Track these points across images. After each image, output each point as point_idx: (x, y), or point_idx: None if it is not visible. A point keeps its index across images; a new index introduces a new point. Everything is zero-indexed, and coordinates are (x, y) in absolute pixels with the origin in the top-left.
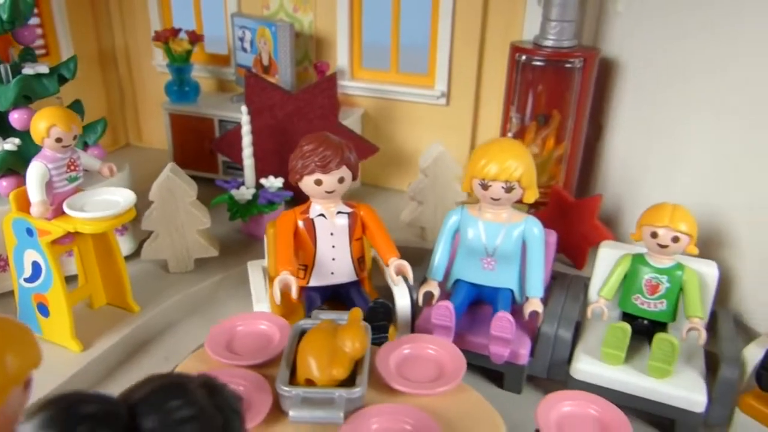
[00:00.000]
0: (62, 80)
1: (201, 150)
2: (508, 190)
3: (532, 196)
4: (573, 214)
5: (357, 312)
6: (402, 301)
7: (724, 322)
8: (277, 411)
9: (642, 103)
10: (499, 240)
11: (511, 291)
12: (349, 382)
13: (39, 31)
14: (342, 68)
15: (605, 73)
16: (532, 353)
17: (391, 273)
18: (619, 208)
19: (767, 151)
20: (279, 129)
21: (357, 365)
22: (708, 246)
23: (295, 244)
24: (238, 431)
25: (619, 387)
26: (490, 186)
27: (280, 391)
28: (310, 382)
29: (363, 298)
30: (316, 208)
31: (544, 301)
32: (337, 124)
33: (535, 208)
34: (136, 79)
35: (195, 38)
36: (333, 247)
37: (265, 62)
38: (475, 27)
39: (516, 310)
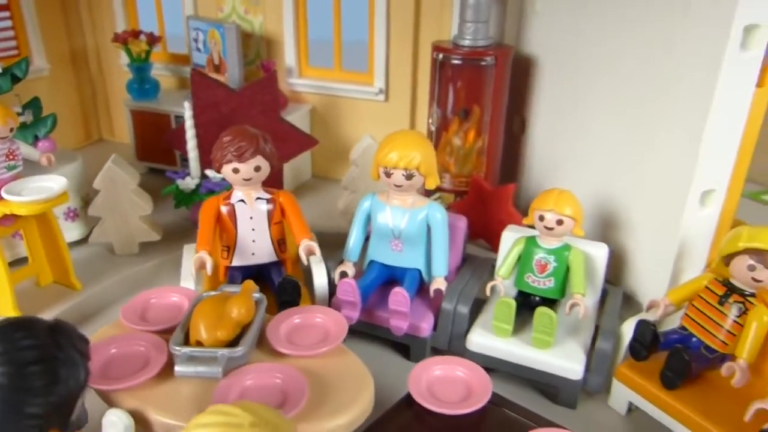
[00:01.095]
0: (15, 79)
1: (160, 144)
2: (409, 177)
3: (432, 182)
4: (491, 202)
5: (249, 284)
6: (319, 280)
7: (612, 298)
8: (171, 368)
9: (556, 98)
10: (404, 224)
11: (419, 271)
12: (236, 344)
13: (11, 32)
14: (290, 66)
15: (525, 70)
16: (436, 328)
17: (300, 253)
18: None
19: (650, 141)
20: (224, 124)
21: (246, 330)
22: (608, 228)
23: (219, 227)
24: (77, 364)
25: (508, 357)
26: (392, 173)
27: (171, 350)
28: (200, 344)
29: (277, 274)
30: (237, 194)
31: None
32: (278, 119)
33: (460, 197)
34: (106, 77)
35: (153, 40)
36: (253, 230)
37: (216, 61)
38: (408, 27)
39: (425, 288)
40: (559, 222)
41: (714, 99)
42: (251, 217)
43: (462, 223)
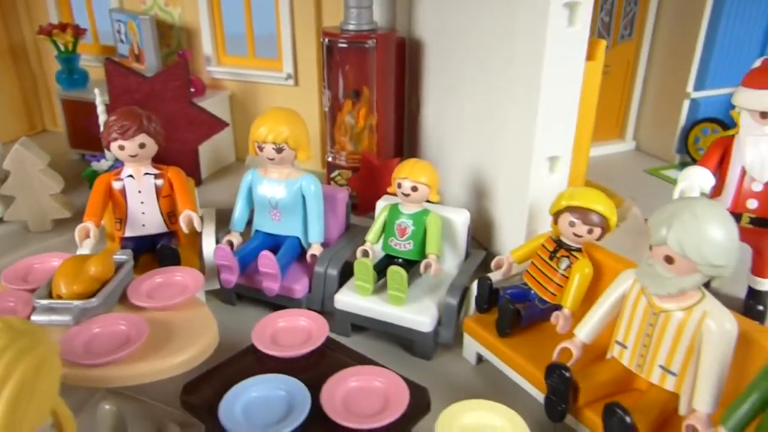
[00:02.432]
0: None
1: (90, 131)
2: (279, 150)
3: (304, 156)
4: (379, 176)
5: (112, 246)
6: (207, 249)
7: (471, 260)
8: None
9: (440, 78)
10: (280, 195)
11: (298, 238)
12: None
13: None
14: (208, 55)
15: (417, 53)
16: (312, 290)
17: (180, 223)
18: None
19: (503, 115)
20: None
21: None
22: (479, 197)
23: (112, 202)
24: None
25: (370, 314)
26: (264, 147)
27: (34, 303)
28: (61, 297)
29: (168, 243)
30: (127, 170)
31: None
32: (188, 104)
33: (355, 173)
34: (46, 69)
35: (78, 32)
36: (142, 203)
37: (136, 51)
38: (311, 15)
39: (305, 254)
40: (414, 189)
41: (543, 73)
42: (140, 191)
43: (342, 194)
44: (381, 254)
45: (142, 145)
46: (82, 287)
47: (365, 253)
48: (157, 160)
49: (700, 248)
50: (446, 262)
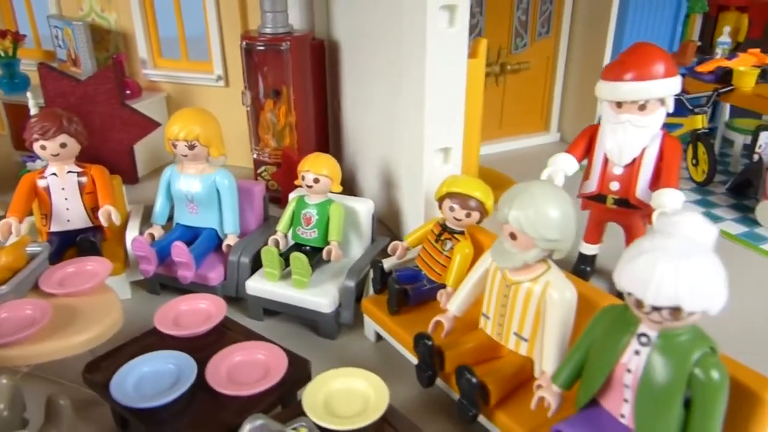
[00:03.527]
0: None
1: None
2: (191, 147)
3: (216, 152)
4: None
5: (25, 238)
6: (129, 242)
7: (374, 246)
8: None
9: (355, 78)
10: (196, 189)
11: (215, 230)
12: None
13: None
14: (144, 59)
15: (335, 54)
16: (227, 278)
17: (99, 216)
18: (355, 165)
19: (401, 110)
20: (74, 110)
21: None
22: (390, 188)
23: (38, 199)
24: None
25: (277, 298)
26: (177, 144)
27: None
28: None
29: (93, 237)
30: (50, 168)
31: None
32: (120, 105)
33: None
34: None
35: (17, 38)
36: (66, 199)
37: (73, 56)
38: (236, 19)
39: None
40: (316, 180)
41: (426, 71)
42: (63, 188)
43: (258, 188)
44: (292, 243)
45: (63, 145)
46: None
47: (276, 242)
48: (93, 159)
49: (535, 225)
50: (353, 248)
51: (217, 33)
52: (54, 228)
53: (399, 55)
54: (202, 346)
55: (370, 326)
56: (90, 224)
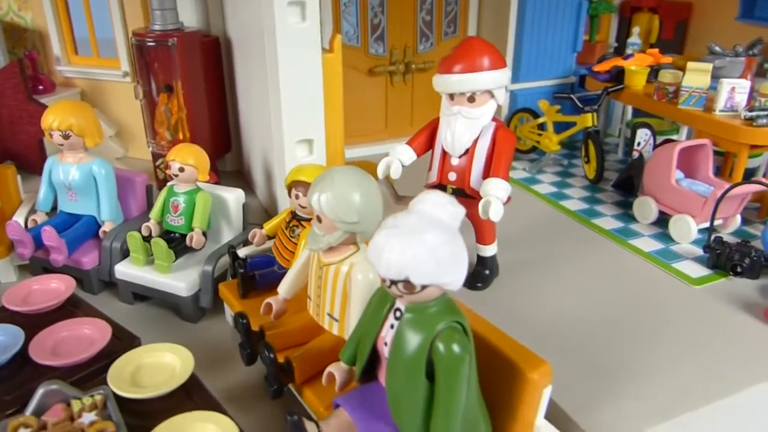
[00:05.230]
0: None
1: None
2: (66, 137)
3: (91, 142)
4: None
5: None
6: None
7: (241, 235)
8: None
9: (242, 73)
10: (73, 177)
11: (94, 216)
12: None
13: None
14: (58, 56)
15: (229, 51)
16: (101, 262)
17: None
18: (248, 158)
19: (270, 103)
20: None
21: None
22: (268, 180)
23: None
24: None
25: (143, 282)
26: (53, 134)
27: None
28: None
29: None
30: None
31: None
32: (27, 100)
33: None
34: None
35: None
36: None
37: None
38: (140, 18)
39: None
40: (181, 169)
41: (279, 64)
42: None
43: (141, 177)
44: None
45: None
46: None
47: (148, 229)
48: (5, 152)
49: (333, 207)
50: (223, 236)
51: (122, 31)
52: None
53: (261, 51)
54: (46, 323)
55: (228, 310)
56: None
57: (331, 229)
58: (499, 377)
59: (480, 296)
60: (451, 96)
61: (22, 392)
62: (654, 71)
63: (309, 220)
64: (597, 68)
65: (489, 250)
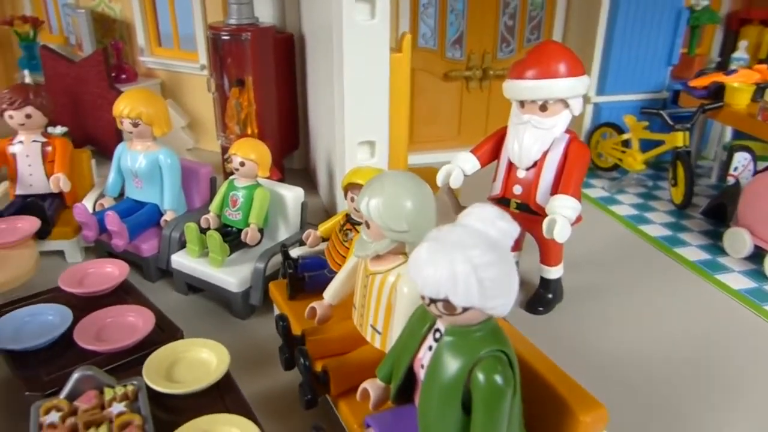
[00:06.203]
0: None
1: None
2: (135, 125)
3: (159, 131)
4: None
5: None
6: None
7: (297, 234)
8: None
9: (313, 70)
10: (140, 165)
11: (157, 205)
12: None
13: None
14: (142, 46)
15: (302, 48)
16: (160, 251)
17: (50, 183)
18: (313, 156)
19: (335, 102)
20: (69, 89)
21: None
22: (332, 178)
23: (6, 163)
24: None
25: (196, 274)
26: (123, 122)
27: None
28: None
29: (51, 202)
30: (19, 137)
31: None
32: (108, 88)
33: None
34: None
35: (35, 23)
36: (29, 165)
37: (79, 41)
38: (219, 12)
39: None
40: (242, 164)
41: (345, 62)
42: (28, 156)
43: (205, 169)
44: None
45: (28, 116)
46: None
47: (206, 221)
48: (85, 136)
49: (381, 214)
50: (280, 234)
51: (201, 25)
52: (19, 191)
53: (330, 49)
54: (96, 307)
55: (276, 310)
56: (51, 190)
57: (379, 236)
58: (547, 416)
59: (538, 321)
60: (522, 103)
61: (61, 375)
62: (761, 89)
63: (362, 224)
64: (694, 83)
65: (553, 273)
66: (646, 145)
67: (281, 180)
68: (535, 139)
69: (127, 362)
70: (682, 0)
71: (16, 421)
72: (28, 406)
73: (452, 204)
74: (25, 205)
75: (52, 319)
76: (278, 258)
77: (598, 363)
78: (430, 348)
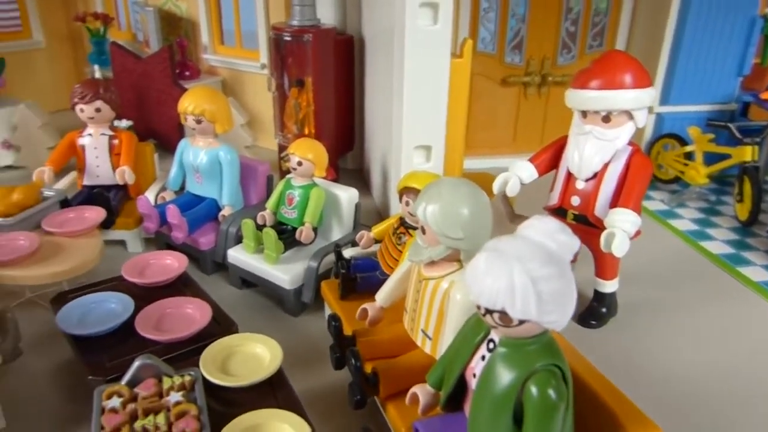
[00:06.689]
0: None
1: None
2: (198, 121)
3: (221, 128)
4: None
5: (39, 182)
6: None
7: (351, 234)
8: None
9: (371, 73)
10: (201, 161)
11: (216, 200)
12: None
13: (17, 12)
14: (206, 44)
15: (361, 50)
16: (217, 245)
17: (116, 175)
18: (368, 158)
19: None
20: (135, 85)
21: None
22: (386, 181)
23: (75, 155)
24: None
25: (250, 269)
26: (187, 118)
27: None
28: None
29: (116, 194)
30: (88, 130)
31: None
32: (172, 84)
33: None
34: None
35: (106, 20)
36: (97, 157)
37: (146, 38)
38: (281, 12)
39: None
40: (299, 163)
41: (406, 66)
42: (96, 148)
43: (263, 167)
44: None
45: (98, 110)
46: (3, 208)
47: (262, 218)
48: (149, 130)
49: (437, 220)
50: (333, 233)
51: (264, 25)
52: (86, 182)
53: (390, 52)
54: (156, 297)
55: (327, 309)
56: (117, 182)
57: (434, 242)
58: None
59: (590, 335)
60: (584, 113)
61: (123, 361)
62: None
63: (416, 228)
64: (766, 96)
65: (609, 286)
66: (711, 158)
67: (336, 180)
68: (597, 150)
69: (183, 353)
70: (756, 8)
71: (78, 404)
72: (91, 390)
73: (507, 212)
74: (92, 195)
75: (114, 307)
76: (331, 257)
77: (652, 381)
78: (483, 358)
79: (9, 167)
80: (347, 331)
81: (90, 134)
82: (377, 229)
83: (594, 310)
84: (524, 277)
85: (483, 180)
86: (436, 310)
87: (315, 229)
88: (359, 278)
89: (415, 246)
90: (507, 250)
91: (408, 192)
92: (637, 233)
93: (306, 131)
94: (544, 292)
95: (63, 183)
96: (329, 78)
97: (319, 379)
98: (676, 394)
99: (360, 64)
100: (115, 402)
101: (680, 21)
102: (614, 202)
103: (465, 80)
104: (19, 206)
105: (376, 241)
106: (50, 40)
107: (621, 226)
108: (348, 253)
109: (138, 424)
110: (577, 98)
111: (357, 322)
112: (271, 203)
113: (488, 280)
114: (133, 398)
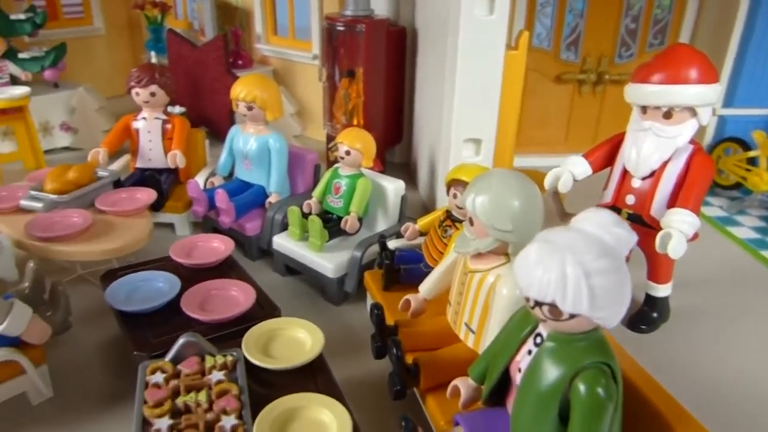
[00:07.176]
0: (35, 25)
1: None
2: (249, 108)
3: (271, 116)
4: None
5: (94, 162)
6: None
7: (396, 225)
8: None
9: (424, 65)
10: (250, 147)
11: (263, 186)
12: None
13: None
14: (259, 34)
15: (414, 42)
16: (263, 231)
17: (167, 159)
18: (415, 150)
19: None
20: (189, 71)
21: None
22: (433, 174)
23: (129, 137)
24: None
25: (295, 256)
26: (238, 105)
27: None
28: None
29: (167, 177)
30: (143, 113)
31: None
32: (225, 72)
33: None
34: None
35: (164, 8)
36: (150, 141)
37: (201, 26)
38: (334, 3)
39: None
40: (348, 153)
41: (459, 57)
42: (149, 131)
43: (311, 156)
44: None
45: (153, 94)
46: (59, 186)
47: (309, 206)
48: (201, 117)
49: (487, 211)
50: (379, 224)
51: (317, 15)
52: (138, 164)
53: (444, 44)
54: (202, 278)
55: (369, 299)
56: (168, 165)
57: (482, 234)
58: None
59: (641, 340)
60: (644, 109)
61: (167, 339)
62: None
63: (463, 221)
64: None
65: (662, 291)
66: None
67: (382, 172)
68: (656, 147)
69: (226, 334)
70: None
71: (123, 378)
72: (136, 365)
73: (557, 209)
74: (144, 177)
75: (161, 285)
76: (375, 248)
77: (704, 388)
78: (530, 352)
79: (66, 148)
80: (389, 321)
81: (144, 118)
82: (423, 222)
83: (645, 315)
84: (577, 269)
85: (533, 178)
86: (481, 303)
87: (360, 219)
88: (403, 270)
89: (462, 237)
90: (559, 242)
91: (456, 184)
92: (695, 236)
93: (354, 122)
94: (596, 286)
95: (117, 165)
96: (380, 69)
97: (358, 368)
98: (729, 401)
99: (412, 56)
100: (159, 377)
101: (749, 21)
102: (672, 203)
103: (519, 73)
104: (74, 184)
105: (422, 234)
106: (110, 27)
107: (678, 227)
108: (392, 244)
109: (180, 400)
110: (637, 93)
111: (399, 313)
112: (317, 192)
113: (539, 271)
114: (176, 375)
